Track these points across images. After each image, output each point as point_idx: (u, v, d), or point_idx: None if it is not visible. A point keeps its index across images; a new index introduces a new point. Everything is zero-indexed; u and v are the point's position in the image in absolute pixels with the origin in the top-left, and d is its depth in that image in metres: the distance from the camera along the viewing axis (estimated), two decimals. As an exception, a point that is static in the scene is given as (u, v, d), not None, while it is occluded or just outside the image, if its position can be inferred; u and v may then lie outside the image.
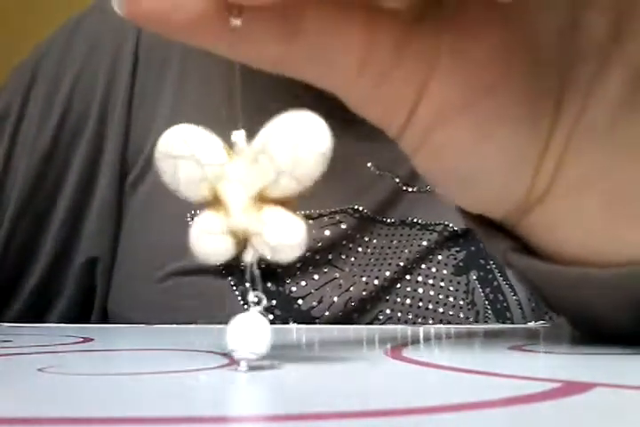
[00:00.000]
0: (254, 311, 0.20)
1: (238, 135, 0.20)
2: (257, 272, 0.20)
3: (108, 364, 0.22)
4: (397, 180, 0.46)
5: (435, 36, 0.22)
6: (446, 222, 0.46)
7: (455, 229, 0.46)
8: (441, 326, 0.42)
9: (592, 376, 0.19)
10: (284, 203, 0.20)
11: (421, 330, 0.35)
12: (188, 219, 0.43)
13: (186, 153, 0.20)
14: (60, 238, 0.46)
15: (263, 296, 0.20)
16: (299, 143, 0.19)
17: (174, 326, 0.39)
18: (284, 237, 0.19)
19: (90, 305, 0.48)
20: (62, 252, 0.47)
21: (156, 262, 0.44)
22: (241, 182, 0.19)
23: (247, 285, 0.20)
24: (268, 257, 0.19)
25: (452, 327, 0.38)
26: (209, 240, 0.20)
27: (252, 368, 0.19)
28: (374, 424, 0.13)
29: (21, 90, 0.47)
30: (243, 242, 0.20)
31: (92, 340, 0.29)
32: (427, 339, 0.30)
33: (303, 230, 0.19)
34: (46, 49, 0.48)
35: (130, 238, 0.47)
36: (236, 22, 0.20)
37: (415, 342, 0.28)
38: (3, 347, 0.26)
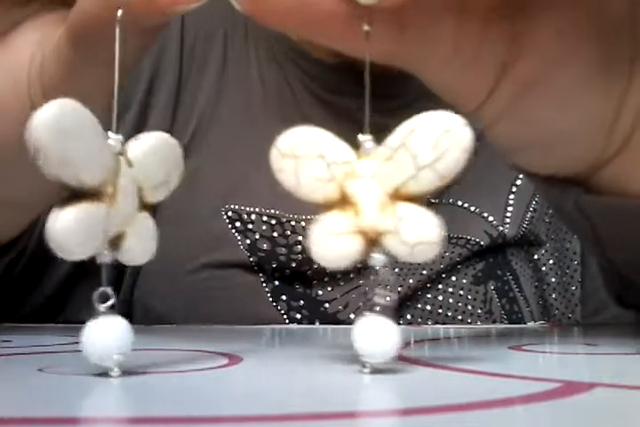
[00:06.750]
0: (380, 313, 0.19)
1: (365, 138, 0.19)
2: (388, 274, 0.19)
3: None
4: None
5: (512, 17, 0.23)
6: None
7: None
8: (441, 325, 0.42)
9: (592, 376, 0.19)
10: (414, 200, 0.19)
11: (421, 330, 0.35)
12: (223, 212, 0.43)
13: (312, 152, 0.19)
14: None
15: (389, 297, 0.19)
16: (442, 138, 0.19)
17: (175, 326, 0.39)
18: (425, 235, 0.18)
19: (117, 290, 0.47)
20: None
21: (190, 253, 0.44)
22: (375, 180, 0.19)
23: (368, 287, 0.19)
24: (405, 258, 0.19)
25: (452, 327, 0.38)
26: (335, 242, 0.19)
27: (374, 371, 0.19)
28: (374, 424, 0.13)
29: None
30: (370, 244, 0.19)
31: (92, 340, 0.29)
32: (427, 339, 0.30)
33: (440, 227, 0.19)
34: None
35: (164, 226, 0.46)
36: (367, 28, 0.20)
37: (415, 342, 0.28)
38: (3, 347, 0.26)
